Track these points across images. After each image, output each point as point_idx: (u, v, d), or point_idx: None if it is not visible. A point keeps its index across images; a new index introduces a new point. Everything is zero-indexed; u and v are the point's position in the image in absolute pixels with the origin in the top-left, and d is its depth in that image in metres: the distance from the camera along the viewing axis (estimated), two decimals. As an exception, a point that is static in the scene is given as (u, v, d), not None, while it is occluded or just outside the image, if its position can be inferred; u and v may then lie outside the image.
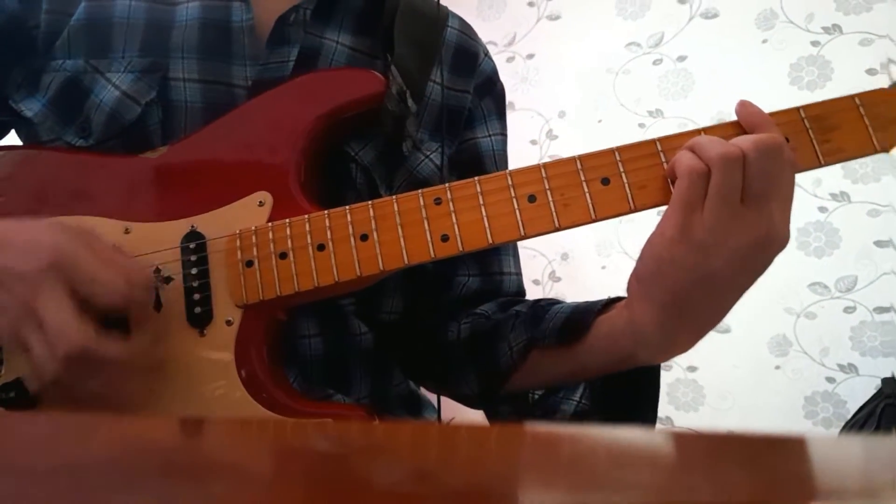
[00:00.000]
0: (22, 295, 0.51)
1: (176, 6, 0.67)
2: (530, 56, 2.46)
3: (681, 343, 0.57)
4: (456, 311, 0.75)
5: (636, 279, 0.56)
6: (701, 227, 0.50)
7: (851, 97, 0.54)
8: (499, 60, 2.78)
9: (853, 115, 0.54)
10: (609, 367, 0.61)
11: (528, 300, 0.75)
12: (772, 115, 0.54)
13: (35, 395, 0.58)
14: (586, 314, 0.62)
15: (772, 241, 0.50)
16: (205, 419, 0.38)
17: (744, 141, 0.50)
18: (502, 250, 0.78)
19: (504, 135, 0.82)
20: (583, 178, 0.54)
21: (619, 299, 0.61)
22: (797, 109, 0.55)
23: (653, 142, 0.55)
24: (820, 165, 0.54)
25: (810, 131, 0.54)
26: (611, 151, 0.55)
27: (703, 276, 0.51)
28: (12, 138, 0.73)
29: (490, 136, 0.79)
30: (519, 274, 0.80)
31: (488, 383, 0.69)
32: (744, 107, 0.54)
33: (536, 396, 0.66)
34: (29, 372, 0.54)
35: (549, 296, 2.30)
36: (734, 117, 0.55)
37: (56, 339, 0.50)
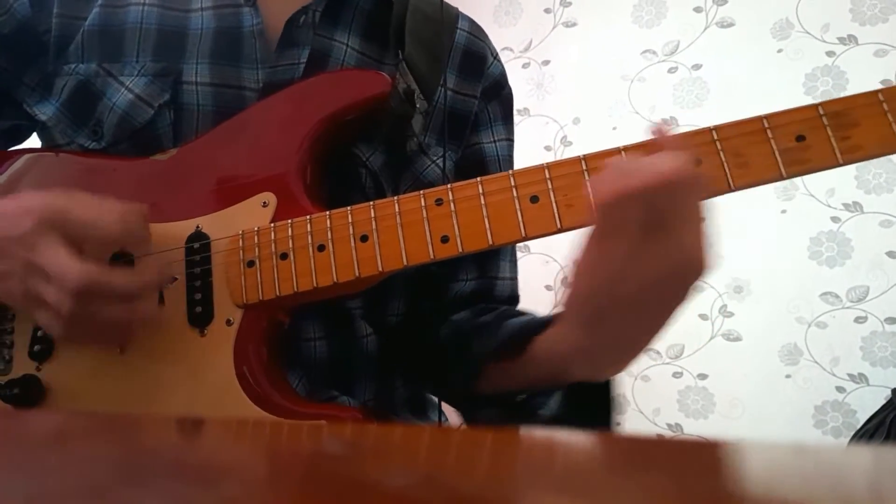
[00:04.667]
0: (23, 256, 0.53)
1: (189, 13, 0.68)
2: (546, 62, 2.46)
3: (606, 363, 0.57)
4: (450, 313, 0.75)
5: (565, 301, 0.55)
6: (611, 256, 0.49)
7: (874, 92, 0.50)
8: (514, 66, 2.77)
9: (875, 110, 0.50)
10: (549, 381, 0.61)
11: (499, 309, 0.74)
12: (788, 112, 0.51)
13: (43, 387, 0.60)
14: (528, 331, 0.62)
15: (681, 268, 0.48)
16: (201, 420, 0.39)
17: (647, 171, 0.47)
18: (501, 255, 0.78)
19: (510, 140, 0.81)
20: (587, 178, 0.53)
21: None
22: (815, 106, 0.51)
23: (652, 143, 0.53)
24: (839, 164, 0.50)
25: (828, 128, 0.50)
26: (617, 150, 0.53)
27: (614, 303, 0.50)
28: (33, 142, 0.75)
29: (495, 141, 0.78)
30: (514, 279, 0.80)
31: (459, 389, 0.70)
32: (657, 130, 0.52)
33: (521, 398, 0.66)
34: (48, 323, 0.55)
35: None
36: None
37: (62, 280, 0.52)
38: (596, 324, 0.53)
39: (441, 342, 0.73)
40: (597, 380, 0.59)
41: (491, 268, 0.78)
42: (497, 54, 0.82)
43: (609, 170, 0.49)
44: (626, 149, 0.53)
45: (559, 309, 0.56)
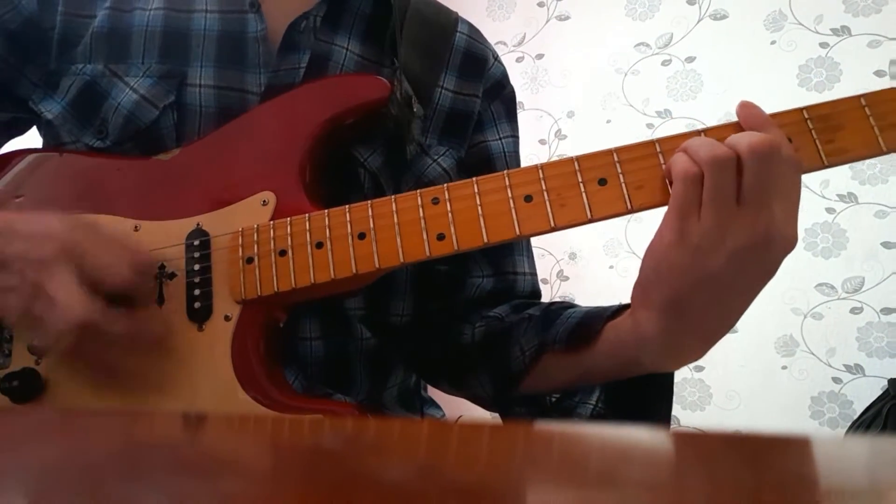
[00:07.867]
0: (33, 277, 0.54)
1: (192, 14, 0.69)
2: (540, 56, 2.46)
3: (688, 349, 0.56)
4: (469, 313, 0.75)
5: (638, 286, 0.55)
6: (697, 230, 0.49)
7: (857, 97, 0.53)
8: (508, 60, 2.76)
9: (858, 114, 0.52)
10: (616, 373, 0.61)
11: (541, 303, 0.74)
12: (774, 115, 0.53)
13: (42, 380, 0.61)
14: (596, 320, 0.61)
15: (772, 241, 0.49)
16: (200, 415, 0.39)
17: (738, 142, 0.49)
18: (516, 250, 0.78)
19: (515, 136, 0.82)
20: (580, 179, 0.54)
21: (628, 306, 0.60)
22: (800, 110, 0.53)
23: (652, 142, 0.54)
24: (824, 166, 0.52)
25: (813, 132, 0.52)
26: (609, 152, 0.54)
27: (702, 279, 0.50)
28: (32, 137, 0.76)
29: (501, 138, 0.79)
30: (534, 274, 0.80)
31: (501, 386, 0.69)
32: (744, 108, 0.53)
33: (553, 399, 0.65)
34: (39, 346, 0.57)
35: (557, 295, 2.31)
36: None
37: (67, 312, 0.53)
38: (677, 305, 0.52)
39: (474, 341, 0.72)
40: (668, 369, 0.59)
41: (507, 264, 0.77)
42: (498, 56, 0.83)
43: (690, 146, 0.51)
44: (618, 150, 0.55)
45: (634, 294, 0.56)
